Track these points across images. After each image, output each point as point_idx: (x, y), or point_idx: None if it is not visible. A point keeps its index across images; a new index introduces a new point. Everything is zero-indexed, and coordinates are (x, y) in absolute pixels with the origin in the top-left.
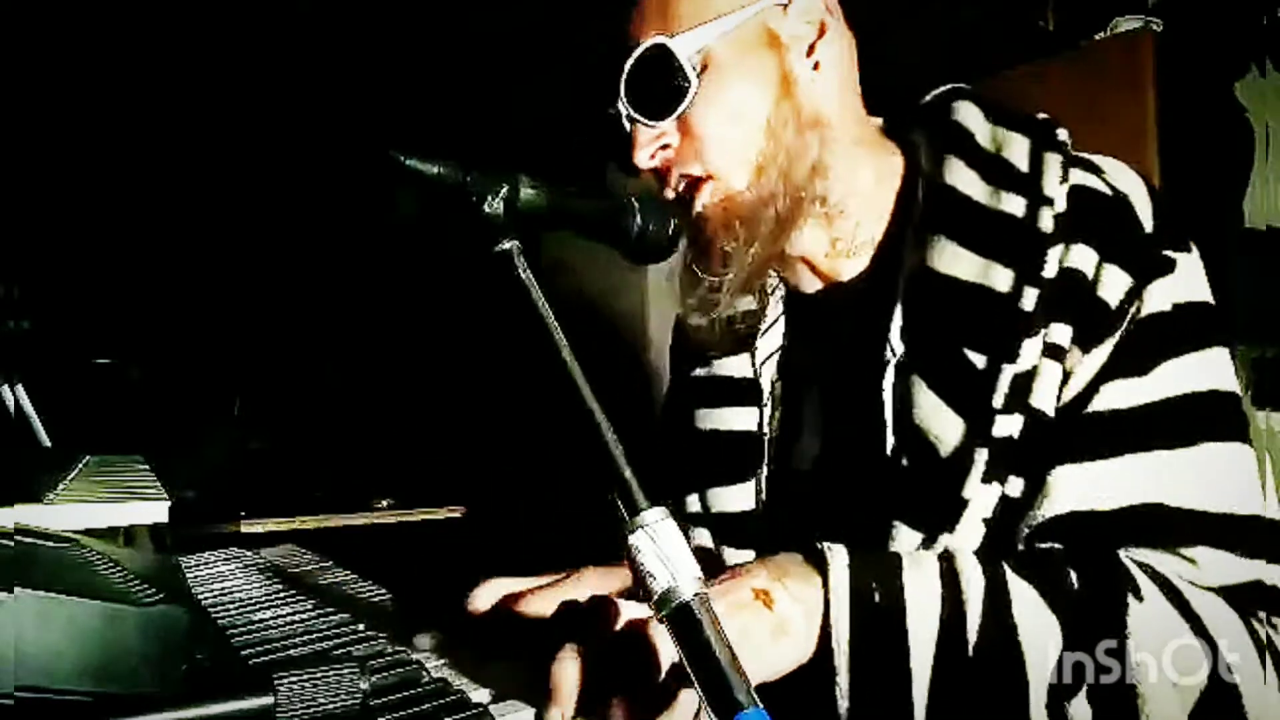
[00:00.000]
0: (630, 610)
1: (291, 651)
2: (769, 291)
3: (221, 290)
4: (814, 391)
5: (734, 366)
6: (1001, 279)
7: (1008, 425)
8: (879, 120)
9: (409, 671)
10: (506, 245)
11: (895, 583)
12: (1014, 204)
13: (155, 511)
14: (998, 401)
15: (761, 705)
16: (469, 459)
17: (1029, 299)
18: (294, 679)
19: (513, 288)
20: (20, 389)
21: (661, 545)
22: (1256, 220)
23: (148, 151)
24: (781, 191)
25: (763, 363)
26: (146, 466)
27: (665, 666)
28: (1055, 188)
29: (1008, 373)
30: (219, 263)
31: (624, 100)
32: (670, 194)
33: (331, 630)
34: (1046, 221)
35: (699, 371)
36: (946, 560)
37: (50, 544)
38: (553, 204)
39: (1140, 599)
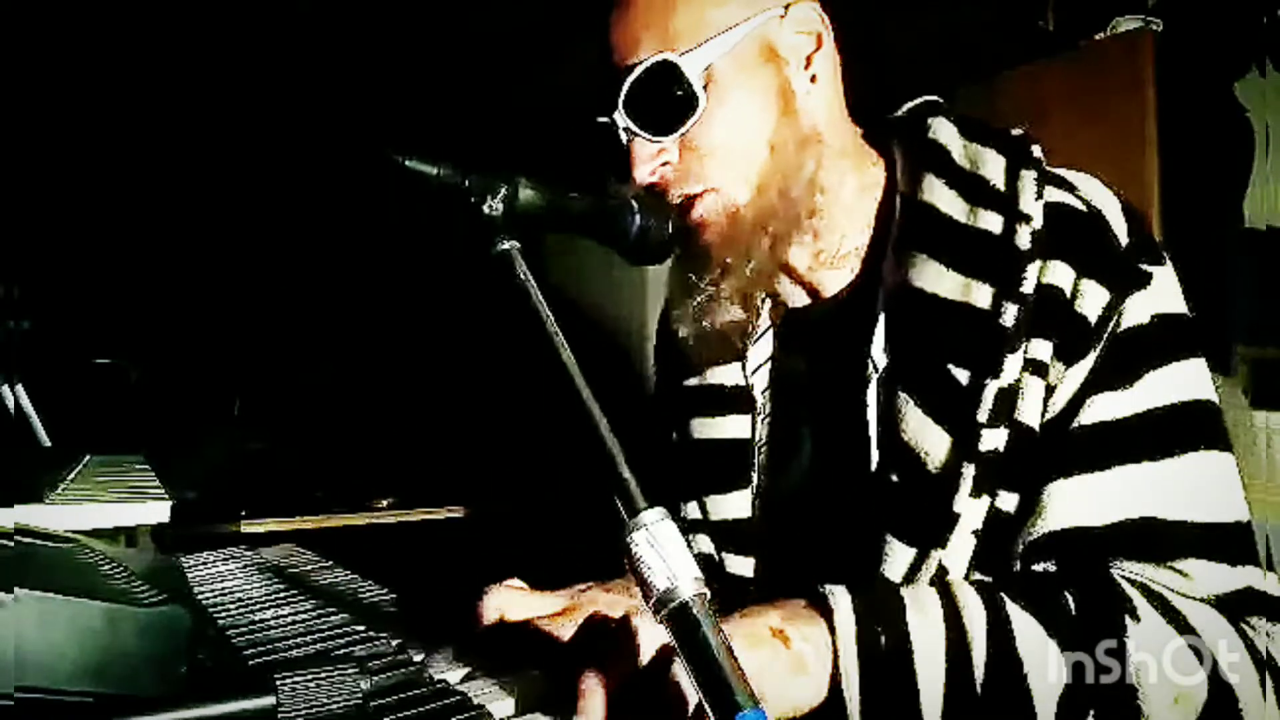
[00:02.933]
0: (656, 636)
1: (292, 651)
2: (758, 302)
3: (221, 290)
4: (801, 402)
5: (725, 375)
6: (982, 296)
7: (993, 439)
8: (859, 128)
9: (409, 672)
10: (506, 246)
11: (901, 628)
12: (992, 221)
13: (156, 511)
14: (982, 416)
15: (761, 707)
16: (468, 459)
17: (1009, 315)
18: (294, 679)
19: (512, 288)
20: (20, 389)
21: (661, 545)
22: (1256, 220)
23: (148, 151)
24: (780, 208)
25: (754, 372)
26: (146, 466)
27: (692, 698)
28: (1032, 205)
29: (991, 387)
30: (218, 263)
31: (624, 115)
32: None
33: (331, 630)
34: (1024, 239)
35: (691, 381)
36: (947, 597)
37: (50, 544)
38: (552, 204)
39: (1137, 619)
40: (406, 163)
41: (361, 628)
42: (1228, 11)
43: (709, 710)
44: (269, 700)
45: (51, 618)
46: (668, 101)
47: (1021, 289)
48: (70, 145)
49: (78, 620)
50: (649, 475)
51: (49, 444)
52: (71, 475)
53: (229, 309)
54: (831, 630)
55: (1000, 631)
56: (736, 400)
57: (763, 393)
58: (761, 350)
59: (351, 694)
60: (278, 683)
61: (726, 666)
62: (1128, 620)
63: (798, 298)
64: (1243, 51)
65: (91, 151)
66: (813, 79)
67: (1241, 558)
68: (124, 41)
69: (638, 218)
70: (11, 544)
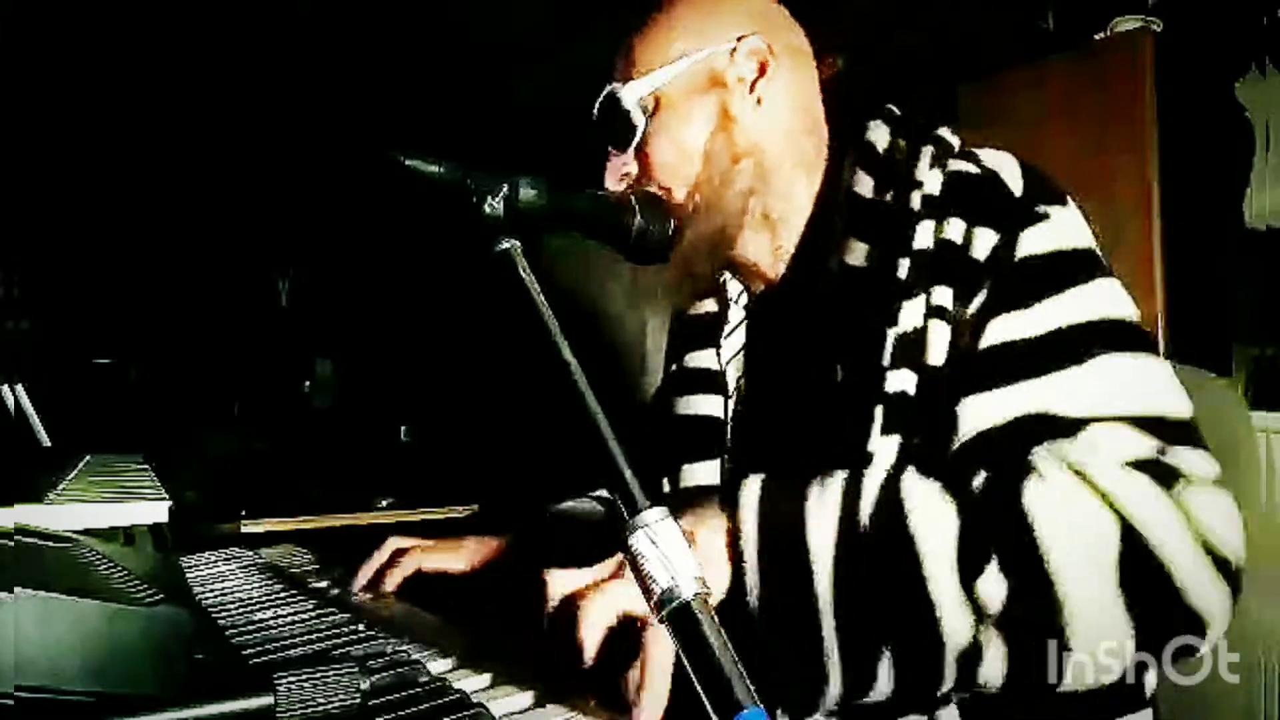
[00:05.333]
0: (563, 584)
1: (291, 651)
2: (733, 297)
3: (222, 290)
4: (767, 385)
5: (702, 359)
6: (881, 256)
7: (899, 381)
8: (826, 138)
9: (408, 671)
10: (507, 245)
11: (800, 501)
12: (891, 193)
13: (155, 511)
14: (885, 360)
15: (761, 705)
16: (469, 458)
17: (902, 268)
18: (294, 679)
19: (513, 287)
20: (20, 389)
21: (662, 545)
22: (1256, 220)
23: (148, 152)
24: (716, 207)
25: (729, 360)
26: (146, 466)
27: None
28: (925, 173)
29: (890, 335)
30: (219, 263)
31: (597, 133)
32: None
33: (331, 630)
34: (915, 201)
35: (673, 367)
36: (855, 473)
37: (50, 544)
38: (553, 204)
39: (1042, 476)
40: (407, 162)
41: (360, 627)
42: (1228, 11)
43: (710, 709)
44: (267, 700)
45: (51, 617)
46: (620, 124)
47: (913, 244)
48: (71, 146)
49: (78, 620)
50: (641, 459)
51: (49, 444)
52: (71, 475)
53: (229, 309)
54: (735, 513)
55: (890, 487)
56: (711, 382)
57: (737, 378)
58: (736, 340)
59: (350, 694)
60: (276, 683)
61: (727, 666)
62: (1030, 478)
63: (761, 288)
64: (1243, 51)
65: (92, 152)
66: (758, 101)
67: (1153, 434)
68: (126, 41)
69: (638, 217)
70: (11, 544)
